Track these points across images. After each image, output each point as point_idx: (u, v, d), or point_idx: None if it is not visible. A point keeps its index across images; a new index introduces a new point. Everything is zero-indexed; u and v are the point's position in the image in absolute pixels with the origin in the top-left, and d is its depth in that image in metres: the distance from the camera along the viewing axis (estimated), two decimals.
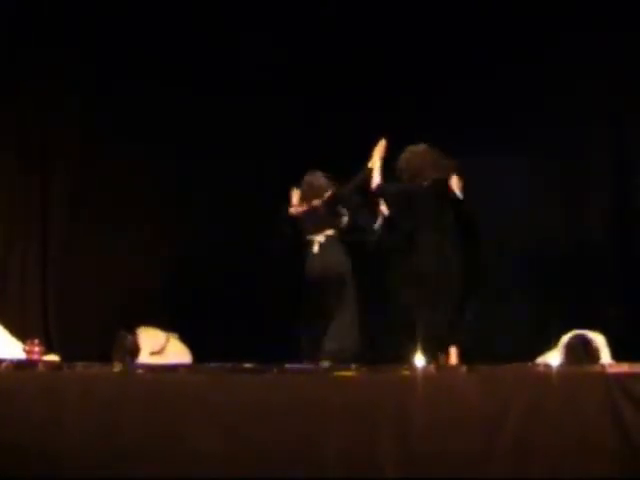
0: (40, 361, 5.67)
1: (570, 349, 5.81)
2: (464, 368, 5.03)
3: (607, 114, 7.53)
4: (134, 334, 6.76)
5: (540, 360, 6.02)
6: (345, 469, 4.87)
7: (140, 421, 4.99)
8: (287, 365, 5.24)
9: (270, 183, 7.57)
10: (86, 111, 7.58)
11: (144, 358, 6.66)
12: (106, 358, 6.24)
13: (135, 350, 6.67)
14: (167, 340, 6.84)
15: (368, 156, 6.60)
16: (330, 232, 6.62)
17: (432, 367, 5.21)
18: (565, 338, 5.93)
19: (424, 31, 7.51)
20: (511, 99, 7.46)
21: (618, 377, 4.82)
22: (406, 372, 5.06)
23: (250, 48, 7.63)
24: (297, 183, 6.79)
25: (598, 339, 5.91)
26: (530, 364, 5.36)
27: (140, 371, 5.30)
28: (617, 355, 5.78)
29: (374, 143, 6.61)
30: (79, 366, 5.18)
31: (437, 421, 4.86)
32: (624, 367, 4.94)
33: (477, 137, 7.42)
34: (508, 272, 7.32)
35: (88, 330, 7.23)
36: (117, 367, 5.26)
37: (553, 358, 5.85)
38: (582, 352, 5.73)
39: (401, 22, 7.52)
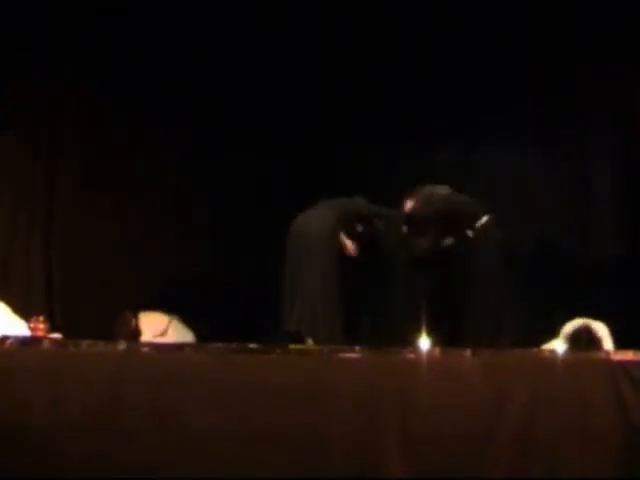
0: (45, 338, 5.66)
1: (573, 339, 5.81)
2: (468, 352, 5.01)
3: (610, 114, 7.55)
4: (136, 318, 6.78)
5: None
6: (348, 451, 4.86)
7: (144, 399, 4.98)
8: (291, 346, 5.24)
9: (276, 182, 7.64)
10: (92, 95, 7.60)
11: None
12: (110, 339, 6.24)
13: (136, 333, 6.69)
14: (169, 322, 6.85)
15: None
16: None
17: (436, 350, 5.19)
18: (568, 327, 5.94)
19: (424, 29, 7.48)
20: (514, 98, 7.46)
21: (623, 364, 4.82)
22: (410, 355, 5.06)
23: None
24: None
25: (601, 329, 5.91)
26: (534, 350, 5.35)
27: (145, 349, 5.30)
28: (619, 344, 5.74)
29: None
30: (84, 344, 5.17)
31: (440, 405, 4.84)
32: (629, 354, 4.94)
33: (478, 135, 7.48)
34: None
35: (92, 314, 7.22)
36: (122, 345, 5.23)
37: (556, 347, 5.87)
38: (585, 342, 5.74)
39: (400, 23, 7.50)
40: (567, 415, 4.78)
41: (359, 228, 6.63)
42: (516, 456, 4.80)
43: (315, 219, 6.43)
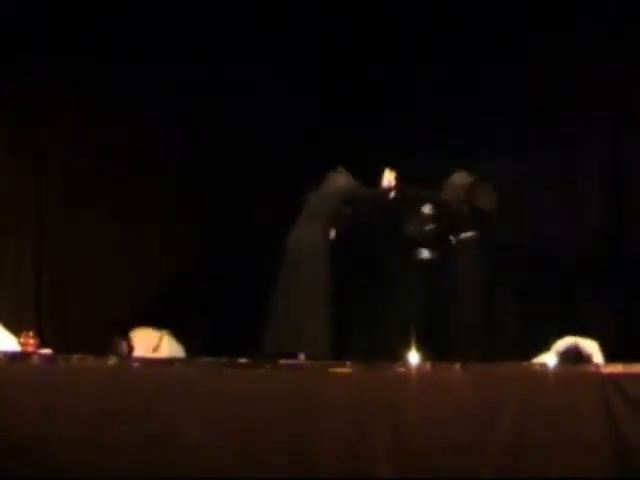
0: (35, 353, 5.65)
1: (564, 357, 5.81)
2: (458, 366, 5.02)
3: (605, 113, 7.53)
4: (127, 338, 6.76)
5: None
6: (339, 466, 4.86)
7: (134, 414, 4.98)
8: (281, 361, 5.23)
9: (266, 182, 7.63)
10: (83, 108, 7.52)
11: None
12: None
13: (128, 352, 6.67)
14: (161, 338, 6.84)
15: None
16: None
17: (426, 365, 5.20)
18: (558, 345, 5.96)
19: (419, 32, 7.48)
20: (511, 99, 7.46)
21: (613, 377, 4.83)
22: (400, 369, 5.06)
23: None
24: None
25: (591, 346, 5.94)
26: (525, 363, 5.36)
27: (135, 364, 5.29)
28: (610, 355, 5.82)
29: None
30: (74, 359, 5.16)
31: (431, 419, 4.86)
32: (618, 367, 4.96)
33: (477, 138, 7.44)
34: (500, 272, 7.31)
35: (82, 330, 7.16)
36: (112, 360, 5.22)
37: (546, 361, 5.89)
38: (575, 360, 5.75)
39: (397, 24, 7.51)
40: (558, 428, 4.79)
41: (348, 211, 6.64)
42: (507, 469, 4.80)
43: (305, 234, 6.43)
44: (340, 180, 6.62)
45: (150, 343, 6.82)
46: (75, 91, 7.45)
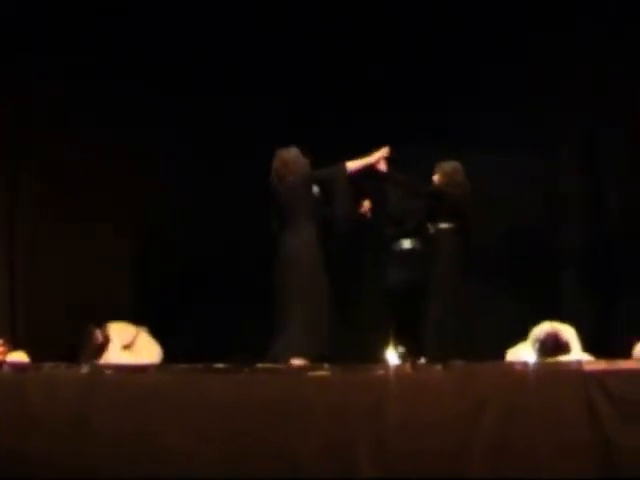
0: (5, 362, 5.54)
1: (542, 343, 5.79)
2: (439, 366, 4.94)
3: (580, 108, 7.56)
4: (103, 328, 6.67)
5: (511, 352, 6.03)
6: (320, 470, 4.78)
7: (109, 423, 4.89)
8: (259, 365, 5.14)
9: (236, 176, 7.59)
10: (55, 109, 7.47)
11: (115, 351, 6.58)
12: (75, 353, 6.13)
13: (105, 343, 6.60)
14: (137, 334, 6.76)
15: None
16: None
17: (407, 366, 5.12)
18: (536, 331, 5.91)
19: (403, 30, 7.47)
20: (494, 99, 7.45)
21: (595, 374, 4.76)
22: (380, 371, 4.98)
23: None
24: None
25: (568, 331, 5.91)
26: (507, 362, 5.29)
27: (108, 372, 5.19)
28: (587, 347, 5.83)
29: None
30: (45, 367, 5.07)
31: (413, 420, 4.77)
32: (601, 364, 4.90)
33: (459, 136, 7.44)
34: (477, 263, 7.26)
35: (56, 327, 7.10)
36: (84, 368, 5.13)
37: (524, 351, 5.88)
38: (553, 345, 5.73)
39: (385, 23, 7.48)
40: (541, 427, 4.72)
41: (315, 190, 6.48)
42: (490, 469, 4.72)
43: (296, 241, 6.22)
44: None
45: (125, 338, 6.78)
46: (44, 92, 7.38)
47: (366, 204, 6.60)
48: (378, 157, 6.47)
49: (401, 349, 6.00)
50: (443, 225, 6.59)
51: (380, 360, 5.54)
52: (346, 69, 7.51)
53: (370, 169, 6.47)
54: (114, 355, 6.56)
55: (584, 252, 7.50)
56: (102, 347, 6.62)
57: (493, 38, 7.36)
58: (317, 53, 7.54)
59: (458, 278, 6.51)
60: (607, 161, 7.46)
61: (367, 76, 7.55)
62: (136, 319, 6.91)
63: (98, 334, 6.65)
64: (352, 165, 6.30)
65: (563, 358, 5.61)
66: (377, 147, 6.47)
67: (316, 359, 5.61)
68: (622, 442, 4.64)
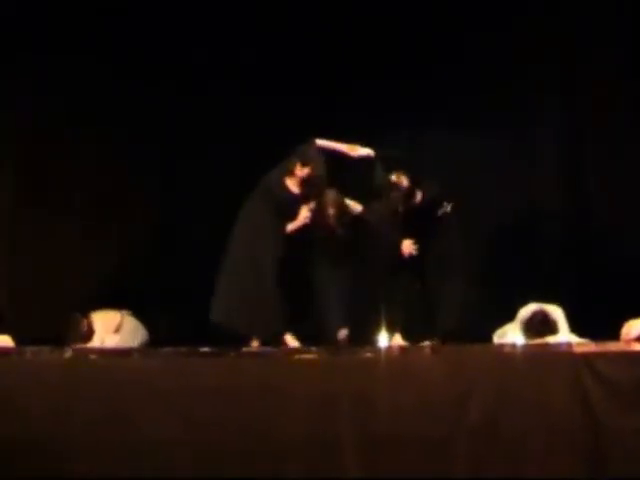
0: None
1: (529, 323, 5.72)
2: (428, 349, 4.89)
3: (557, 88, 7.57)
4: (88, 317, 6.62)
5: (498, 333, 6.00)
6: (305, 454, 4.74)
7: (93, 408, 4.84)
8: (244, 348, 5.09)
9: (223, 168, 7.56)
10: (36, 105, 7.40)
11: (100, 341, 6.52)
12: (59, 342, 6.07)
13: (89, 333, 6.54)
14: (122, 318, 6.71)
15: None
16: None
17: (395, 349, 5.07)
18: (523, 312, 5.85)
19: (375, 15, 7.42)
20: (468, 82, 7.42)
21: (585, 357, 4.71)
22: (368, 354, 4.92)
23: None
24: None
25: (556, 311, 5.85)
26: (495, 345, 5.25)
27: (92, 356, 5.14)
28: (574, 327, 5.77)
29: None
30: (28, 352, 5.01)
31: (401, 404, 4.72)
32: (591, 346, 4.88)
33: (432, 119, 7.46)
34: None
35: (41, 315, 7.04)
36: (67, 353, 5.06)
37: (512, 332, 5.83)
38: (540, 325, 5.66)
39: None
40: (531, 411, 4.67)
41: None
42: (480, 454, 4.68)
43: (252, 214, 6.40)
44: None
45: (111, 324, 6.71)
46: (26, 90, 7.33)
47: None
48: (355, 151, 6.54)
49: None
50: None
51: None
52: (340, 67, 7.49)
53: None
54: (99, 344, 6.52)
55: (563, 237, 7.49)
56: (88, 337, 6.56)
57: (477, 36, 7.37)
58: (308, 54, 7.52)
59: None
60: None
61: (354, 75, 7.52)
62: (120, 305, 6.85)
63: (84, 322, 6.59)
64: (323, 142, 6.44)
65: (550, 339, 5.56)
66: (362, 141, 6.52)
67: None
68: (612, 424, 4.60)
